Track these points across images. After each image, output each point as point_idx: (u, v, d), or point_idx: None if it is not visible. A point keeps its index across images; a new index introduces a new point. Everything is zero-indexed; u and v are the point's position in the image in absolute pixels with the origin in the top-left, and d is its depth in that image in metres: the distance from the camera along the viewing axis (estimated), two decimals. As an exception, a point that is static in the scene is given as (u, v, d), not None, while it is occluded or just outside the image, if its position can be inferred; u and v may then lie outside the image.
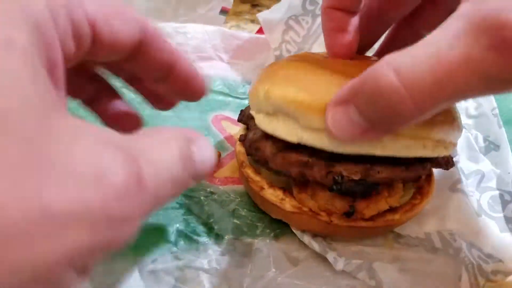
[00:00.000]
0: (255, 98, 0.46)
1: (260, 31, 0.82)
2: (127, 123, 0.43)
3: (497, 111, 0.60)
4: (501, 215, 0.51)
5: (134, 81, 0.42)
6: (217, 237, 0.48)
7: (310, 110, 0.39)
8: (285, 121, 0.42)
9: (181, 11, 0.70)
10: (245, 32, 0.78)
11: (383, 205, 0.45)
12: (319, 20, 0.70)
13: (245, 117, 0.55)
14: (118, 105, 0.42)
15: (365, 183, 0.42)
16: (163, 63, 0.36)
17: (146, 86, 0.41)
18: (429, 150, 0.41)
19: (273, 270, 0.46)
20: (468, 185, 0.54)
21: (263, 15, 0.71)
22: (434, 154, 0.42)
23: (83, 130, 0.21)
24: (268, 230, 0.50)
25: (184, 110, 0.65)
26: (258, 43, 0.76)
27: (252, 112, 0.48)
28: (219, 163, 0.58)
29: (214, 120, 0.66)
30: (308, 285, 0.45)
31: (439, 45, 0.29)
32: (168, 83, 0.38)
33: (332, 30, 0.46)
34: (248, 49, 0.76)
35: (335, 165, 0.43)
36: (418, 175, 0.45)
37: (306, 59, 0.47)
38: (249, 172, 0.51)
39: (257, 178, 0.50)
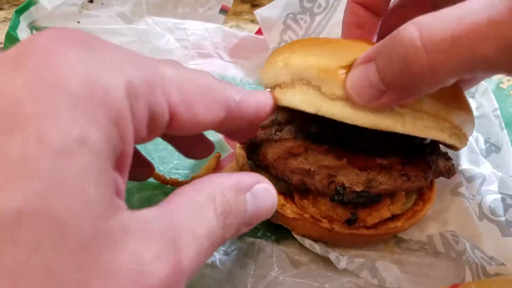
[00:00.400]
0: (272, 68, 0.44)
1: (260, 31, 0.82)
2: (198, 151, 0.45)
3: (498, 112, 0.59)
4: (503, 219, 0.51)
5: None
6: None
7: (331, 75, 0.38)
8: (303, 91, 0.40)
9: (181, 10, 0.69)
10: (246, 32, 0.79)
11: (385, 213, 0.45)
12: (317, 19, 0.70)
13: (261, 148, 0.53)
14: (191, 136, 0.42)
15: (367, 195, 0.42)
16: (247, 122, 0.37)
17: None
18: (446, 135, 0.41)
19: (276, 269, 0.45)
20: (469, 188, 0.54)
21: (260, 12, 0.71)
22: (449, 141, 0.42)
23: (130, 227, 0.22)
24: (269, 233, 0.50)
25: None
26: (258, 43, 0.77)
27: (266, 90, 0.47)
28: (218, 165, 0.58)
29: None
30: (311, 283, 0.45)
31: (467, 8, 0.29)
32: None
33: (352, 24, 0.45)
34: (248, 49, 0.77)
35: (337, 175, 0.43)
36: (420, 186, 0.45)
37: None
38: None
39: None
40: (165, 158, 0.58)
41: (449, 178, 0.49)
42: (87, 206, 0.20)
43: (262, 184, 0.33)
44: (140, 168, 0.41)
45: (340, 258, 0.45)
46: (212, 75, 0.33)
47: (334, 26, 0.71)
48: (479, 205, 0.52)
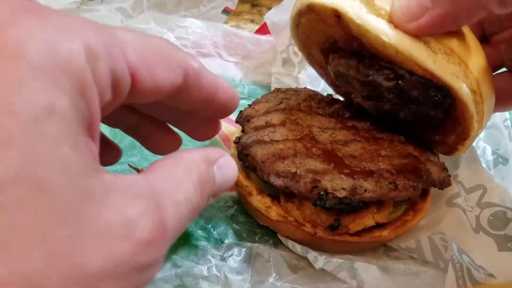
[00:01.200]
0: None
1: (259, 31, 0.81)
2: (165, 145, 0.45)
3: (509, 122, 0.58)
4: (503, 233, 0.50)
5: (172, 118, 0.43)
6: (216, 242, 0.47)
7: None
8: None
9: (182, 7, 0.68)
10: (247, 32, 0.77)
11: (369, 221, 0.44)
12: None
13: (242, 119, 0.53)
14: (156, 130, 0.43)
15: (349, 202, 0.42)
16: (204, 96, 0.37)
17: (185, 120, 0.43)
18: (459, 82, 0.40)
19: (274, 274, 0.45)
20: (468, 199, 0.53)
21: (270, 17, 0.70)
22: (468, 103, 0.41)
23: (114, 186, 0.23)
24: (267, 237, 0.49)
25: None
26: (259, 43, 0.76)
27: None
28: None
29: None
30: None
31: None
32: (209, 109, 0.39)
33: None
34: (249, 48, 0.75)
35: (322, 180, 0.42)
36: (408, 196, 0.44)
37: None
38: (240, 176, 0.49)
39: (246, 183, 0.49)
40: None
41: (442, 189, 0.48)
42: (66, 169, 0.21)
43: (225, 157, 0.34)
44: (107, 150, 0.41)
45: (318, 258, 0.45)
46: (170, 42, 0.34)
47: None
48: (477, 217, 0.51)
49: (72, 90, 0.23)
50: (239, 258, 0.46)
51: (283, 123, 0.50)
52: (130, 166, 0.52)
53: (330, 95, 0.60)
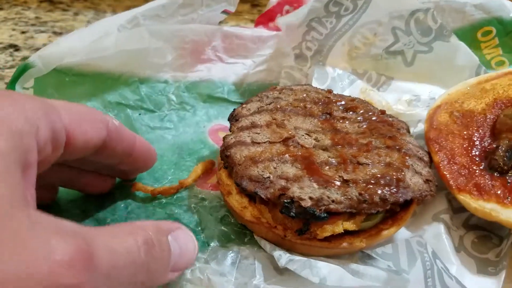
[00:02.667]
0: None
1: (258, 23, 0.81)
2: (98, 188, 0.53)
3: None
4: (485, 256, 0.50)
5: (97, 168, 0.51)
6: (202, 245, 0.49)
7: None
8: None
9: (179, 14, 0.70)
10: (247, 29, 0.77)
11: (338, 227, 0.44)
12: (344, 20, 0.70)
13: (232, 117, 0.55)
14: (87, 178, 0.51)
15: (314, 212, 0.42)
16: (124, 149, 0.46)
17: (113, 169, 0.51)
18: None
19: (257, 277, 0.46)
20: (454, 219, 0.52)
21: (283, 21, 0.71)
22: None
23: (39, 220, 0.26)
24: (256, 239, 0.50)
25: (180, 124, 0.67)
26: (260, 40, 0.76)
27: None
28: (212, 171, 0.59)
29: (210, 131, 0.67)
30: None
31: None
32: (129, 163, 0.48)
33: None
34: (250, 48, 0.76)
35: (291, 187, 0.43)
36: (377, 209, 0.44)
37: None
38: (223, 174, 0.51)
39: (228, 182, 0.50)
40: (160, 178, 0.59)
41: (418, 204, 0.49)
42: None
43: (183, 230, 0.39)
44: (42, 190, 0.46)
45: (282, 256, 0.46)
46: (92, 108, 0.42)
47: (361, 26, 0.70)
48: (461, 237, 0.51)
49: (10, 136, 0.29)
50: (224, 260, 0.47)
51: (268, 124, 0.52)
52: (124, 183, 0.56)
53: (329, 90, 0.61)
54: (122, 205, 0.54)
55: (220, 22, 0.75)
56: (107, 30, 0.63)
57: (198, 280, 0.45)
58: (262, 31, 0.77)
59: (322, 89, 0.61)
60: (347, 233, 0.45)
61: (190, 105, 0.70)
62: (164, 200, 0.55)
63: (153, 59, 0.68)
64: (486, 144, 0.55)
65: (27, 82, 0.58)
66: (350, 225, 0.45)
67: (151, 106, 0.67)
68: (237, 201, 0.49)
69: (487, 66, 0.71)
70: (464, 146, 0.55)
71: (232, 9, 0.73)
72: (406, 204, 0.48)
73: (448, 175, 0.52)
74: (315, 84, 0.69)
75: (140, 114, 0.66)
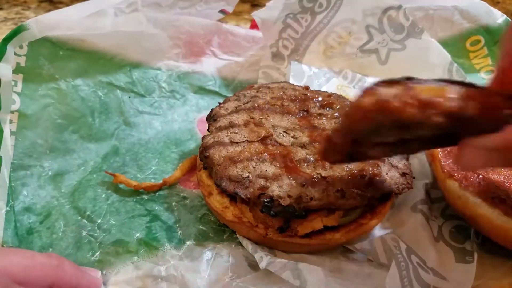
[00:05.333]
0: None
1: (254, 26, 0.82)
2: None
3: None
4: (462, 246, 0.51)
5: None
6: (179, 242, 0.51)
7: None
8: None
9: (178, 6, 0.70)
10: (241, 28, 0.78)
11: (318, 224, 0.46)
12: (318, 18, 0.71)
13: (210, 117, 0.56)
14: None
15: (293, 210, 0.44)
16: None
17: None
18: None
19: (230, 274, 0.47)
20: (432, 209, 0.54)
21: (258, 14, 0.71)
22: None
23: None
24: (235, 235, 0.52)
25: (169, 112, 0.67)
26: (254, 40, 0.77)
27: None
28: (196, 167, 0.59)
29: (199, 122, 0.68)
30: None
31: None
32: None
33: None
34: (243, 46, 0.77)
35: (270, 186, 0.45)
36: (355, 205, 0.45)
37: None
38: (203, 175, 0.52)
39: (208, 182, 0.51)
40: (143, 166, 0.60)
41: (396, 195, 0.49)
42: None
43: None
44: None
45: (263, 258, 0.47)
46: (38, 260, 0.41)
47: (336, 24, 0.71)
48: (440, 227, 0.52)
49: None
50: (199, 258, 0.49)
51: (246, 124, 0.52)
52: (106, 172, 0.57)
53: (306, 87, 0.62)
54: (103, 195, 0.56)
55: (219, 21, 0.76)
56: (105, 9, 0.63)
57: (172, 277, 0.47)
58: (256, 32, 0.78)
59: (299, 86, 0.62)
60: (327, 229, 0.47)
61: (181, 95, 0.70)
62: (145, 197, 0.57)
63: (148, 44, 0.68)
64: None
65: (20, 48, 0.57)
66: (329, 221, 0.46)
67: (142, 90, 0.68)
68: (218, 201, 0.50)
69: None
70: None
71: (230, 9, 0.74)
72: (385, 198, 0.49)
73: (443, 161, 0.52)
74: (292, 81, 0.70)
75: (130, 97, 0.67)
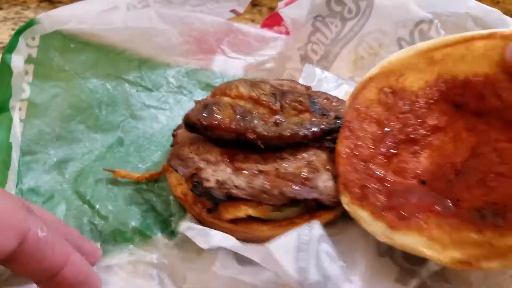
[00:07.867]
0: None
1: (264, 25, 0.83)
2: None
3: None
4: (413, 267, 0.46)
5: None
6: (171, 234, 0.53)
7: None
8: None
9: (189, 4, 0.71)
10: (252, 27, 0.79)
11: (241, 212, 0.47)
12: (349, 24, 0.71)
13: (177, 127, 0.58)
14: None
15: (212, 193, 0.46)
16: (44, 269, 0.37)
17: None
18: None
19: (218, 265, 0.47)
20: None
21: (287, 13, 0.73)
22: None
23: None
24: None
25: (176, 107, 0.69)
26: (264, 40, 0.78)
27: None
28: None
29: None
30: (250, 280, 0.45)
31: None
32: (52, 286, 0.39)
33: None
34: (253, 45, 0.78)
35: (206, 168, 0.47)
36: (275, 202, 0.46)
37: None
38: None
39: None
40: (146, 157, 0.62)
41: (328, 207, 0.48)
42: None
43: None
44: None
45: (184, 224, 0.48)
46: (16, 205, 0.37)
47: (366, 34, 0.71)
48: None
49: None
50: (189, 248, 0.50)
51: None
52: (105, 169, 0.59)
53: (307, 87, 0.62)
54: (103, 181, 0.58)
55: (226, 20, 0.77)
56: (117, 3, 0.65)
57: (163, 265, 0.49)
58: (266, 32, 0.79)
59: (301, 85, 0.62)
60: (258, 220, 0.48)
61: (188, 91, 0.72)
62: (144, 186, 0.58)
63: (158, 40, 0.70)
64: (403, 136, 0.45)
65: (32, 40, 0.60)
66: (253, 212, 0.47)
67: (149, 85, 0.70)
68: (176, 178, 0.53)
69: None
70: (376, 136, 0.46)
71: (241, 10, 0.75)
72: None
73: (341, 168, 0.45)
74: (301, 82, 0.69)
75: (137, 90, 0.68)
